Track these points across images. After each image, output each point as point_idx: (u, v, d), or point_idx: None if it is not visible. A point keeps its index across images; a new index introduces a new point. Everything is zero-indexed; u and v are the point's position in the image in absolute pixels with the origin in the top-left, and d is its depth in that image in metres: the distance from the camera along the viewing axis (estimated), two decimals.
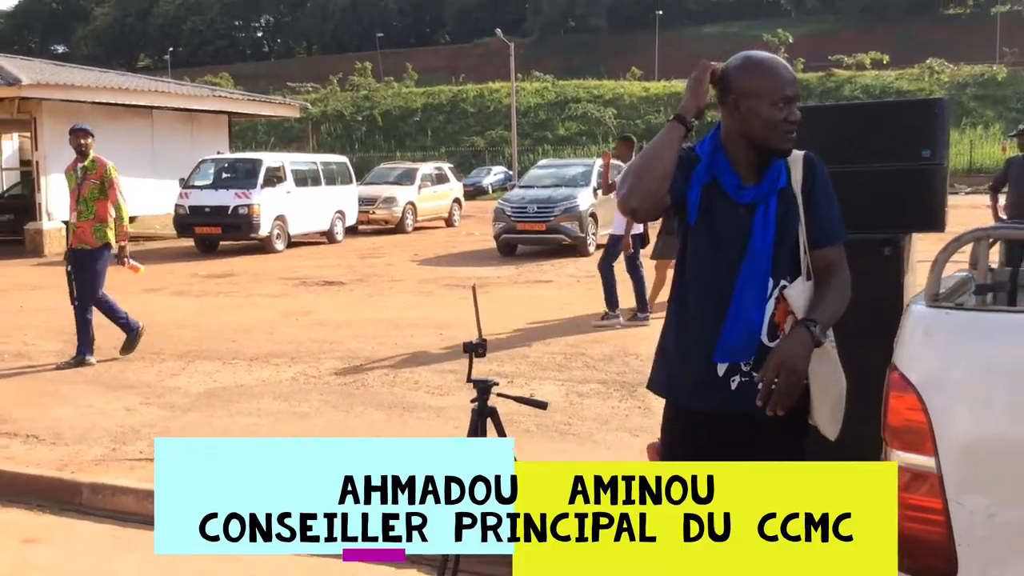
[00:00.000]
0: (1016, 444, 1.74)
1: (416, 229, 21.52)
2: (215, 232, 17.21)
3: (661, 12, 72.32)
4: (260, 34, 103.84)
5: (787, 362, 2.18)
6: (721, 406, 2.35)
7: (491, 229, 16.17)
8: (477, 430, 2.60)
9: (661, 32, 70.00)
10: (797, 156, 2.40)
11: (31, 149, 18.65)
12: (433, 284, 12.31)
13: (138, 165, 19.14)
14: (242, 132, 51.29)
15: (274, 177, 17.58)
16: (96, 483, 4.86)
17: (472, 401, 2.66)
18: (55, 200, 17.69)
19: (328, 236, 18.95)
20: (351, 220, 19.67)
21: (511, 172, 41.34)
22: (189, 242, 17.96)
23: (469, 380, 2.66)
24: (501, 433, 2.67)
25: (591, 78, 60.95)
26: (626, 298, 9.09)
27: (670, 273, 8.83)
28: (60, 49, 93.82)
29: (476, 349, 2.62)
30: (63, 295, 12.01)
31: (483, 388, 2.60)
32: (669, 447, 2.48)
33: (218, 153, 19.12)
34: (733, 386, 2.34)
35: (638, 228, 8.90)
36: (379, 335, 8.68)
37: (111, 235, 7.83)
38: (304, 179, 18.35)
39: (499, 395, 2.68)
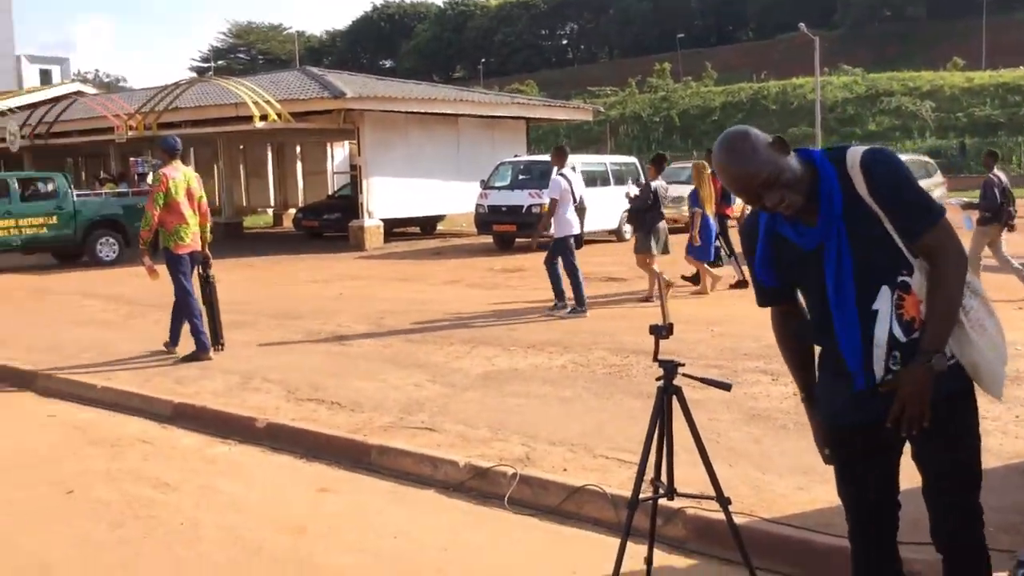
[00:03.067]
0: None
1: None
2: (511, 229, 18.22)
3: None
4: (565, 42, 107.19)
5: (910, 400, 2.32)
6: (878, 414, 2.44)
7: None
8: (662, 407, 2.76)
9: (989, 17, 63.60)
10: (855, 161, 2.41)
11: (355, 155, 20.82)
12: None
13: (444, 168, 20.78)
14: (544, 136, 53.49)
15: (628, 177, 18.29)
16: (383, 446, 5.51)
17: (658, 380, 2.82)
18: (376, 200, 19.67)
19: (616, 234, 19.39)
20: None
21: None
22: (488, 239, 19.16)
23: (655, 360, 2.82)
24: (686, 410, 2.81)
25: (906, 70, 56.73)
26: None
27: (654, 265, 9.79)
28: (387, 63, 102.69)
29: (661, 332, 2.80)
30: (379, 285, 13.48)
31: (669, 368, 2.76)
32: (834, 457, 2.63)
33: (515, 156, 20.21)
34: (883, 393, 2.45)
35: (575, 230, 9.98)
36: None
37: (169, 241, 8.24)
38: (594, 179, 18.90)
39: (684, 375, 2.82)
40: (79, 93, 27.40)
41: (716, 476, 2.85)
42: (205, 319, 8.36)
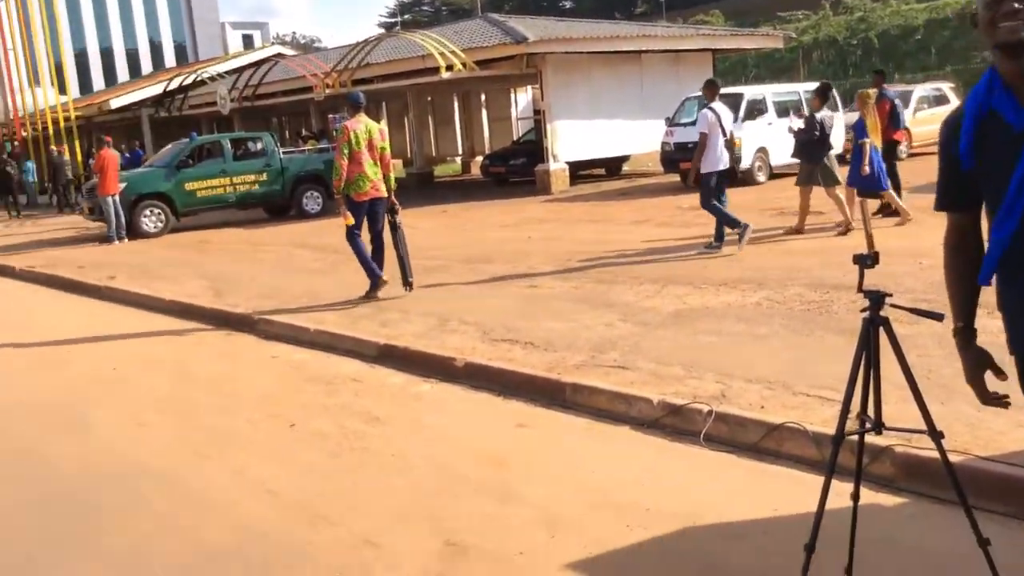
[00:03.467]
0: None
1: (912, 155, 20.04)
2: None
3: None
4: None
5: None
6: None
7: None
8: (868, 339, 2.65)
9: None
10: None
11: (539, 99, 20.90)
12: (920, 212, 11.33)
13: (629, 107, 20.51)
14: (732, 67, 51.44)
15: (755, 109, 17.64)
16: (577, 383, 5.62)
17: (862, 311, 2.71)
18: (560, 144, 19.73)
19: None
20: (837, 148, 18.94)
21: None
22: (675, 177, 18.81)
23: (860, 291, 2.71)
24: (894, 342, 2.69)
25: None
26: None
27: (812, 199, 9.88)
28: (567, 4, 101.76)
29: (865, 261, 2.69)
30: (566, 227, 13.60)
31: (875, 298, 2.64)
32: None
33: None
34: None
35: (722, 165, 9.93)
36: (850, 263, 8.48)
37: (350, 189, 8.68)
38: (786, 110, 18.08)
39: (892, 305, 2.70)
40: (279, 55, 28.88)
41: (928, 409, 2.73)
42: (392, 261, 8.91)
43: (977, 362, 2.41)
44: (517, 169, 21.99)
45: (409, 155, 28.08)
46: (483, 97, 29.83)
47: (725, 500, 3.99)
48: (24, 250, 16.17)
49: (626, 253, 10.38)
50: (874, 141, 10.27)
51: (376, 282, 8.82)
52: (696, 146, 10.20)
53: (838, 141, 13.08)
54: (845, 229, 10.41)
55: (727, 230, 10.02)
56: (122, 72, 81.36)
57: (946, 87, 22.71)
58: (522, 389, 5.85)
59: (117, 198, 15.99)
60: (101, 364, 7.48)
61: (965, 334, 2.44)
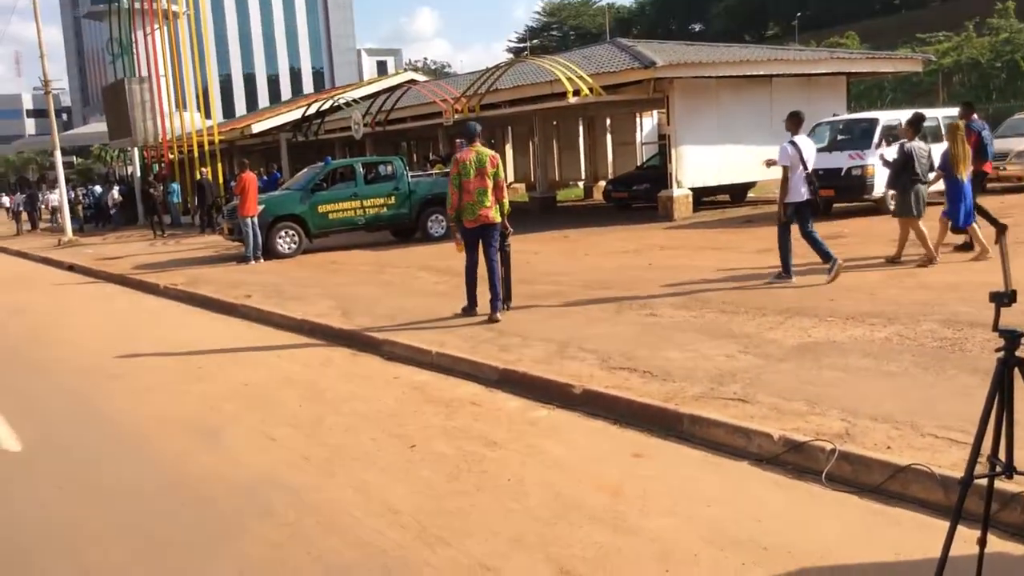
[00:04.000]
0: None
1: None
2: (828, 194, 17.26)
3: None
4: None
5: None
6: None
7: None
8: (1003, 380, 2.56)
9: None
10: None
11: (664, 124, 20.79)
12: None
13: (757, 132, 20.10)
14: (867, 91, 49.84)
15: (891, 135, 17.03)
16: (694, 415, 5.58)
17: (997, 351, 2.62)
18: (685, 169, 19.57)
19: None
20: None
21: None
22: None
23: (995, 329, 2.62)
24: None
25: None
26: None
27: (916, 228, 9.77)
28: (697, 27, 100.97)
29: (1002, 299, 2.59)
30: (688, 254, 13.47)
31: (1010, 338, 2.55)
32: None
33: (834, 115, 19.13)
34: None
35: (801, 198, 10.00)
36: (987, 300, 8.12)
37: (462, 215, 9.26)
38: (923, 136, 17.41)
39: None
40: (412, 81, 29.74)
41: None
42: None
43: None
44: (640, 194, 21.91)
45: (533, 179, 28.35)
46: (608, 122, 29.88)
47: (846, 541, 3.89)
48: (167, 268, 17.14)
49: (748, 282, 10.21)
50: (962, 173, 10.37)
51: (471, 307, 9.43)
52: (821, 173, 10.17)
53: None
54: (926, 261, 10.47)
55: (786, 266, 10.19)
56: (263, 97, 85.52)
57: None
58: (639, 418, 5.84)
59: (256, 219, 16.78)
60: (235, 380, 7.86)
61: None
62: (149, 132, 30.67)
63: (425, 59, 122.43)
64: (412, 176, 19.17)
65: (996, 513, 3.54)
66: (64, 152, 37.20)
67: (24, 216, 35.35)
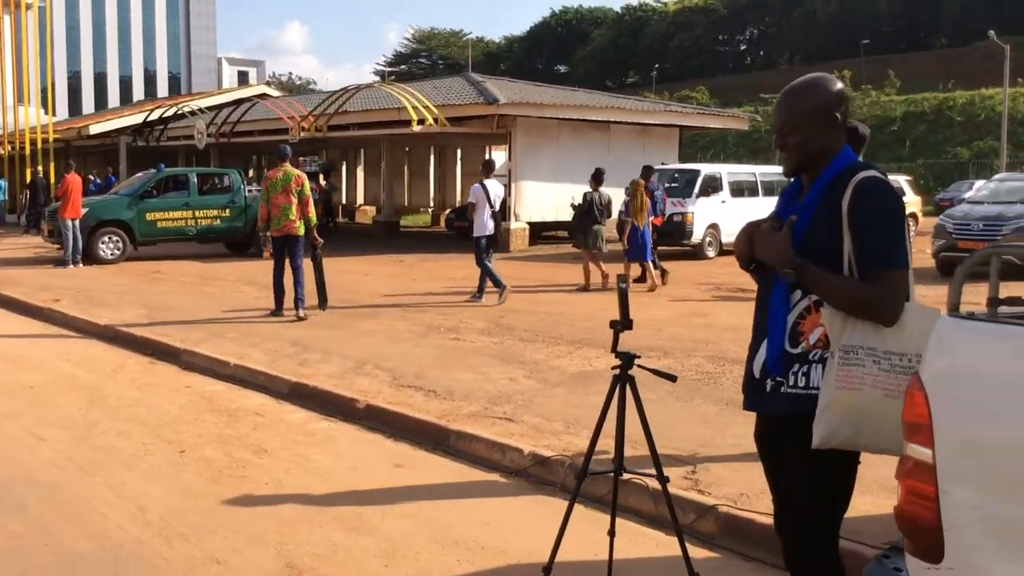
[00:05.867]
0: (1000, 447, 1.76)
1: None
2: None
3: None
4: (744, 47, 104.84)
5: (759, 243, 2.59)
6: (760, 407, 2.69)
7: (930, 247, 15.16)
8: (615, 392, 3.04)
9: None
10: (857, 179, 2.50)
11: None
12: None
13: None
14: (712, 143, 52.64)
15: (710, 187, 18.23)
16: (460, 431, 5.93)
17: (613, 368, 3.09)
18: (524, 204, 20.23)
19: None
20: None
21: None
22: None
23: (613, 351, 3.09)
24: (636, 397, 3.07)
25: None
26: None
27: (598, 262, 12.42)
28: (562, 69, 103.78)
29: (618, 326, 3.08)
30: (510, 285, 13.96)
31: (627, 359, 3.05)
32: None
33: (662, 164, 20.25)
34: (768, 388, 2.64)
35: (487, 231, 11.83)
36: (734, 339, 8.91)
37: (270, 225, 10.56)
38: (741, 190, 18.72)
39: (639, 366, 3.09)
40: (263, 96, 29.47)
41: (657, 454, 3.19)
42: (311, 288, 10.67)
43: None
44: None
45: (380, 202, 28.54)
46: (459, 152, 30.46)
47: (547, 540, 4.29)
48: None
49: (556, 316, 10.75)
50: (637, 221, 13.05)
51: (274, 311, 10.60)
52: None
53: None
54: (586, 285, 13.27)
55: (488, 286, 11.90)
56: (113, 98, 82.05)
57: (903, 180, 23.53)
58: (411, 433, 6.14)
59: (77, 223, 16.25)
60: (19, 382, 7.70)
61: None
62: None
63: (291, 74, 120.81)
64: (250, 190, 19.02)
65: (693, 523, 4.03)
66: None
67: None
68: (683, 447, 5.43)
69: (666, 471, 4.97)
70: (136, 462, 5.53)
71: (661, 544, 4.29)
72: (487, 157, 12.96)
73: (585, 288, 13.27)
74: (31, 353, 9.08)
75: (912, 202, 22.59)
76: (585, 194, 13.64)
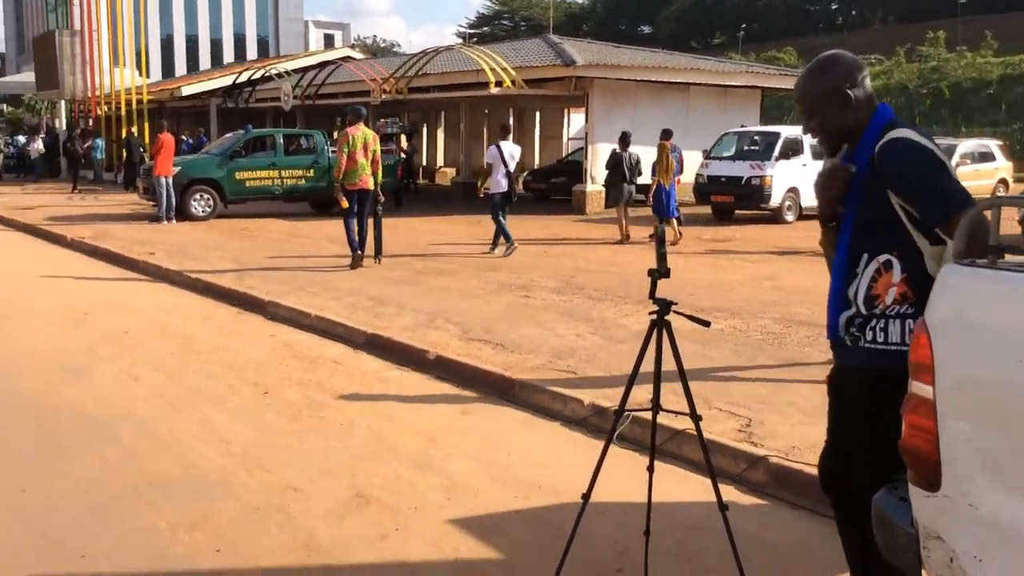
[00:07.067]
0: (992, 384, 1.91)
1: None
2: (728, 201, 18.20)
3: None
4: (835, 6, 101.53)
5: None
6: (838, 357, 2.82)
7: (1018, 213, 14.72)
8: (651, 336, 3.23)
9: None
10: (879, 145, 2.59)
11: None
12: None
13: (674, 136, 20.90)
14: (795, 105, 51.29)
15: (791, 150, 17.98)
16: (524, 381, 6.19)
17: (650, 314, 3.28)
18: (600, 166, 20.23)
19: None
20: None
21: None
22: (707, 209, 19.21)
23: (651, 298, 3.27)
24: (672, 342, 3.25)
25: None
26: None
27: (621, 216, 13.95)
28: (646, 30, 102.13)
29: (655, 274, 3.25)
30: (584, 247, 14.14)
31: (663, 305, 3.23)
32: None
33: (741, 126, 20.03)
34: (847, 343, 2.75)
35: (501, 189, 12.81)
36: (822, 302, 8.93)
37: (345, 180, 11.34)
38: (820, 152, 18.38)
39: (675, 312, 3.26)
40: (347, 58, 29.96)
41: (691, 395, 3.44)
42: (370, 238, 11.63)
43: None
44: (557, 187, 22.56)
45: (458, 164, 28.84)
46: (537, 115, 30.50)
47: (610, 486, 4.50)
48: (79, 222, 17.23)
49: (628, 275, 10.88)
50: (663, 180, 14.00)
51: (355, 257, 11.36)
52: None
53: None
54: (624, 239, 14.33)
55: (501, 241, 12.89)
56: (204, 60, 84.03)
57: (993, 144, 22.75)
58: (478, 383, 6.42)
59: (170, 180, 16.96)
60: (115, 327, 8.24)
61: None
62: (77, 86, 30.34)
63: (375, 36, 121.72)
64: (333, 151, 19.48)
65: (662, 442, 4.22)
66: None
67: None
68: (741, 402, 5.58)
69: (722, 425, 5.24)
70: (222, 401, 5.94)
71: (709, 489, 4.46)
72: (505, 122, 15.09)
73: (622, 242, 14.39)
74: (127, 302, 9.64)
75: (1003, 168, 21.82)
76: (614, 152, 14.74)
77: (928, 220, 2.53)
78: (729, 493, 4.52)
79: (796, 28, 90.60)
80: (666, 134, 14.75)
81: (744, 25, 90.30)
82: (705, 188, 18.56)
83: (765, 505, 4.41)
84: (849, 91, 2.71)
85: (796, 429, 5.11)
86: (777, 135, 18.28)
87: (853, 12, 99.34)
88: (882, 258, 2.63)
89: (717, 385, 6.00)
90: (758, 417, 5.37)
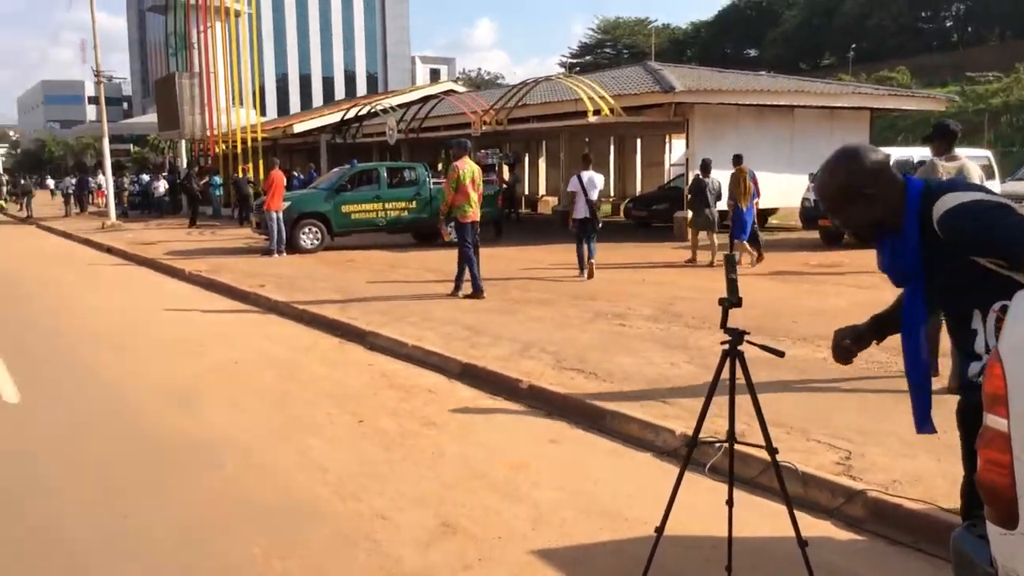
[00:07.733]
0: None
1: None
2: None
3: None
4: (949, 24, 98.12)
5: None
6: (964, 395, 2.81)
7: None
8: (723, 367, 3.15)
9: None
10: (937, 217, 2.56)
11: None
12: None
13: (777, 161, 20.55)
14: (913, 126, 49.67)
15: (902, 172, 17.35)
16: (615, 411, 6.15)
17: (722, 344, 3.21)
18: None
19: None
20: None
21: None
22: (814, 234, 18.73)
23: (722, 327, 3.20)
24: (746, 371, 3.17)
25: None
26: None
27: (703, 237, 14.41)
28: (752, 53, 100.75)
29: (726, 303, 3.18)
30: (683, 274, 13.99)
31: (736, 335, 3.15)
32: None
33: None
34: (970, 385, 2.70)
35: (580, 215, 13.32)
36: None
37: (457, 213, 11.63)
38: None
39: (748, 342, 3.18)
40: (450, 92, 30.57)
41: (767, 426, 3.46)
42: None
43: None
44: (659, 214, 22.40)
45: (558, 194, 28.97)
46: (639, 142, 30.44)
47: (701, 518, 4.45)
48: (196, 256, 18.04)
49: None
50: (741, 203, 14.42)
51: (476, 291, 11.51)
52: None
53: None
54: (692, 260, 15.14)
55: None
56: (317, 97, 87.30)
57: None
58: (569, 412, 6.42)
59: (280, 215, 17.61)
60: (225, 357, 8.58)
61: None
62: (196, 126, 31.83)
63: (479, 69, 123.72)
64: (435, 183, 19.87)
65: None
66: (122, 140, 38.71)
67: (73, 199, 36.71)
68: (841, 433, 5.43)
69: (820, 457, 5.10)
70: (321, 430, 6.11)
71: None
72: (585, 151, 15.96)
73: (691, 262, 15.20)
74: (238, 332, 10.03)
75: None
76: (696, 177, 15.37)
77: (1017, 265, 2.49)
78: (825, 528, 4.40)
79: (907, 47, 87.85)
80: (738, 159, 15.19)
81: (853, 46, 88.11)
82: (812, 212, 18.10)
83: (862, 541, 4.27)
84: (867, 191, 2.67)
85: (897, 461, 4.93)
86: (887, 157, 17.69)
87: (969, 28, 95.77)
88: (997, 306, 2.59)
89: (818, 415, 5.85)
90: (858, 449, 5.20)
